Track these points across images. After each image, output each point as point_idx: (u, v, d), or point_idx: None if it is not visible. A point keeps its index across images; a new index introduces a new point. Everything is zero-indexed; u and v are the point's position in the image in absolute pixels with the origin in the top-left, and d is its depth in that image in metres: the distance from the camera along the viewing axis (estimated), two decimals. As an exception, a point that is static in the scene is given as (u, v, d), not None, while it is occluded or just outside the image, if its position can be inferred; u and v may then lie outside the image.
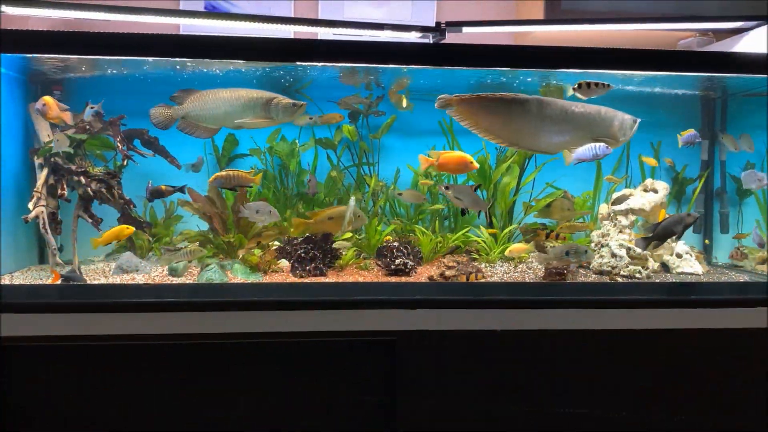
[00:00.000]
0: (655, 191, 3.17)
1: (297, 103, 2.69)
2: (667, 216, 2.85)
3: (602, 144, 2.64)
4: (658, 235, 2.74)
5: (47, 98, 2.71)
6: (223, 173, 2.84)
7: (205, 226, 3.15)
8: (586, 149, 2.68)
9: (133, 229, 2.85)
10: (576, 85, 2.55)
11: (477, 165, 2.86)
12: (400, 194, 3.15)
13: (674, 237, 2.82)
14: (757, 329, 2.48)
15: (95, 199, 2.94)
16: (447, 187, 2.76)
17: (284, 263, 2.98)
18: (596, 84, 2.54)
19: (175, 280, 2.74)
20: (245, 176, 2.83)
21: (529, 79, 3.09)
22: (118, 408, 2.37)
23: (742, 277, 3.02)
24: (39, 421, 2.35)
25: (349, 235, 3.19)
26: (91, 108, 2.82)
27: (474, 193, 2.72)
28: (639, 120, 2.65)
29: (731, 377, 2.52)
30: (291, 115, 2.71)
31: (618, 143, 2.66)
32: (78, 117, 3.07)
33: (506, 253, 3.06)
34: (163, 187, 2.98)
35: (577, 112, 2.59)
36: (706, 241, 3.58)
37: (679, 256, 3.12)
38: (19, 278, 2.74)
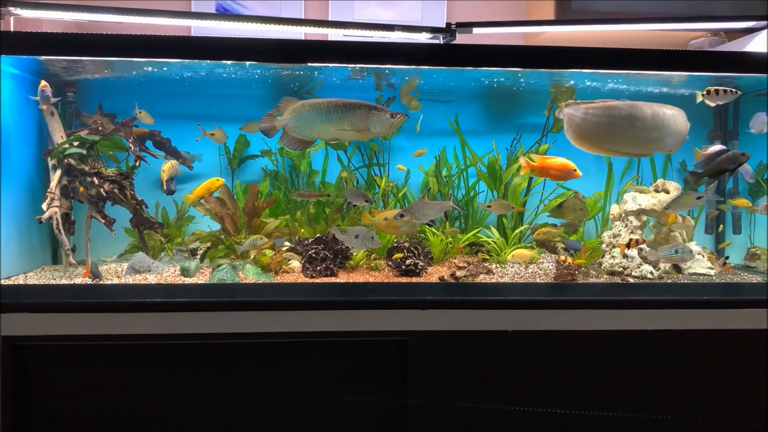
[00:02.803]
0: (667, 191, 3.16)
1: (395, 114, 2.55)
2: (718, 151, 2.76)
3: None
4: (710, 170, 2.68)
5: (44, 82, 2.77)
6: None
7: (216, 226, 3.17)
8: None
9: (223, 180, 2.92)
10: (705, 92, 2.58)
11: (580, 174, 2.80)
12: (488, 207, 2.99)
13: (726, 174, 2.80)
14: (770, 330, 2.47)
15: (108, 200, 2.96)
16: (402, 215, 2.68)
17: (295, 264, 2.99)
18: (725, 90, 2.60)
19: (188, 281, 2.75)
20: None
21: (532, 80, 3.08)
22: (130, 407, 2.38)
23: (755, 278, 3.00)
24: (53, 421, 2.36)
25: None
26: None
27: (426, 201, 2.67)
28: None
29: (746, 378, 2.51)
30: (389, 127, 2.57)
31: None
32: (91, 118, 3.10)
33: (509, 258, 3.03)
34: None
35: (668, 114, 2.54)
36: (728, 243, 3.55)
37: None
38: (33, 278, 2.76)
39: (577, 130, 2.47)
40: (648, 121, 2.44)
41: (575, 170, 2.75)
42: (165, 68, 2.87)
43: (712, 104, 2.63)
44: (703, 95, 2.62)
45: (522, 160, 2.86)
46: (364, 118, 2.52)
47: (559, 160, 2.80)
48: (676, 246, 2.72)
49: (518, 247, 3.10)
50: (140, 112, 3.04)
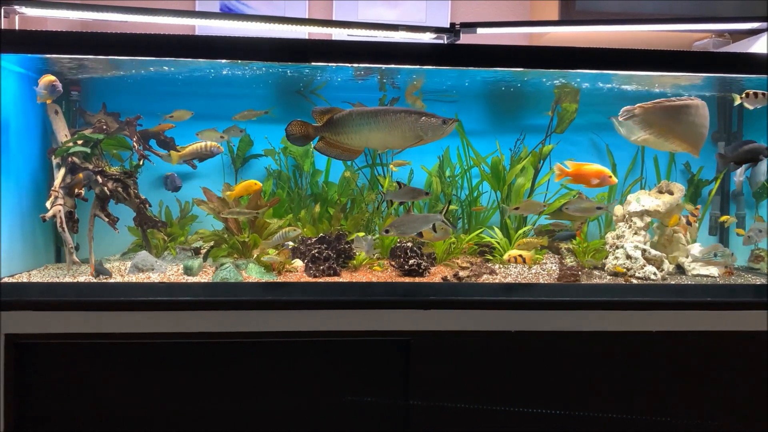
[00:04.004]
0: (671, 193, 3.15)
1: (447, 120, 2.50)
2: (745, 141, 2.84)
3: None
4: (736, 157, 2.69)
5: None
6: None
7: (220, 225, 3.17)
8: None
9: (260, 184, 2.93)
10: (744, 95, 2.62)
11: (615, 180, 2.81)
12: (516, 209, 2.88)
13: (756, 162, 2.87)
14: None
15: (112, 199, 2.97)
16: (387, 231, 2.63)
17: (298, 263, 2.99)
18: (763, 94, 2.66)
19: (191, 279, 2.76)
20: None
21: (545, 81, 3.08)
22: (132, 405, 2.39)
23: (759, 280, 2.99)
24: (55, 418, 2.37)
25: (362, 234, 3.20)
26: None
27: (412, 214, 2.66)
28: None
29: (749, 380, 2.51)
30: (442, 133, 2.53)
31: None
32: (95, 117, 3.10)
33: (505, 258, 3.00)
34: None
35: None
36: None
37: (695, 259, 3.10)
38: (37, 276, 2.76)
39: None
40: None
41: (610, 176, 2.77)
42: (169, 67, 2.87)
43: (751, 107, 2.68)
44: (741, 98, 2.65)
45: (556, 168, 2.87)
46: (415, 126, 2.49)
47: (594, 167, 2.82)
48: (716, 249, 2.73)
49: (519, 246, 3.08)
50: (173, 115, 3.06)
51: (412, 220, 2.61)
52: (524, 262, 2.76)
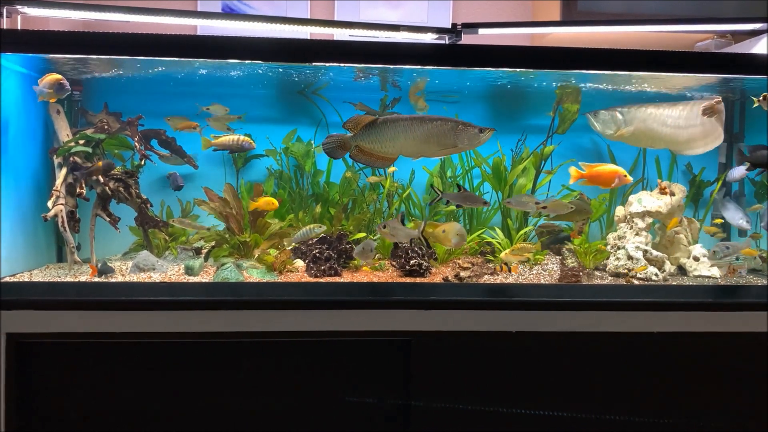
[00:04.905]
0: (672, 194, 3.15)
1: (484, 129, 2.51)
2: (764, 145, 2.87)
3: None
4: (753, 158, 2.70)
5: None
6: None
7: (221, 225, 3.17)
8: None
9: (278, 204, 2.96)
10: (762, 97, 2.67)
11: (630, 179, 2.85)
12: (543, 208, 2.82)
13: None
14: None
15: (113, 198, 2.97)
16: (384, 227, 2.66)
17: (299, 263, 2.99)
18: None
19: (192, 279, 2.76)
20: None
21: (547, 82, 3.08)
22: (134, 404, 2.39)
23: (761, 281, 2.99)
24: (57, 418, 2.37)
25: (363, 234, 3.20)
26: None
27: (397, 224, 2.64)
28: None
29: (751, 381, 2.50)
30: (479, 142, 2.55)
31: None
32: (97, 117, 3.11)
33: (501, 256, 2.99)
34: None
35: None
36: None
37: (696, 259, 3.10)
38: (38, 276, 2.77)
39: None
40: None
41: (626, 176, 2.80)
42: (171, 67, 2.87)
43: None
44: (758, 101, 2.66)
45: (571, 170, 2.88)
46: (452, 134, 2.51)
47: (609, 167, 2.85)
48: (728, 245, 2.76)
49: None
50: (209, 108, 3.09)
51: (397, 229, 2.63)
52: (509, 270, 2.75)
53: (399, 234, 2.62)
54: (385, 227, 2.63)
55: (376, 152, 2.56)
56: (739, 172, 3.20)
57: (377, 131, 2.53)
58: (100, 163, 2.90)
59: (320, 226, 2.86)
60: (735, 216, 3.18)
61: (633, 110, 3.09)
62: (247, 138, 3.10)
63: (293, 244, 2.97)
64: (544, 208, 2.81)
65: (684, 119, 2.94)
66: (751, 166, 2.84)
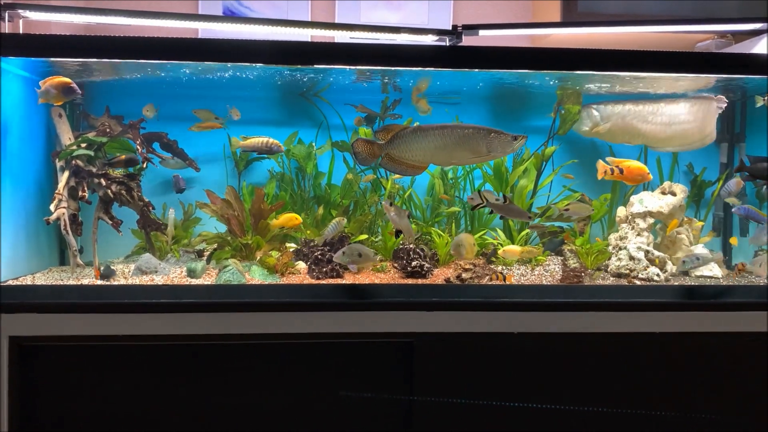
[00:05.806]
0: (674, 194, 3.15)
1: (518, 137, 2.50)
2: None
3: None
4: (754, 169, 2.71)
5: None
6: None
7: (223, 228, 3.18)
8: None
9: (301, 220, 2.99)
10: (766, 97, 2.63)
11: (651, 176, 2.92)
12: (566, 209, 2.86)
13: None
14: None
15: (115, 201, 2.98)
16: (391, 204, 2.68)
17: (301, 265, 3.00)
18: None
19: (194, 282, 2.76)
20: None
21: (551, 82, 3.08)
22: (137, 407, 2.39)
23: (762, 281, 2.99)
24: (59, 421, 2.37)
25: (365, 236, 3.20)
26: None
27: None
28: None
29: (752, 381, 2.50)
30: (511, 150, 2.55)
31: None
32: (98, 120, 3.12)
33: (500, 253, 3.00)
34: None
35: None
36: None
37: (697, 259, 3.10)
38: (41, 279, 2.78)
39: None
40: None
41: (648, 173, 2.88)
42: (172, 70, 2.87)
43: None
44: (764, 100, 2.67)
45: (599, 164, 2.94)
46: (484, 142, 2.49)
47: (634, 164, 2.91)
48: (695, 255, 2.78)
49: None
50: (232, 109, 3.14)
51: (404, 220, 2.64)
52: (504, 280, 2.76)
53: (401, 223, 2.64)
54: (391, 204, 2.64)
55: (406, 161, 2.54)
56: (734, 185, 3.19)
57: (409, 140, 2.51)
58: (123, 156, 2.92)
59: (343, 219, 2.89)
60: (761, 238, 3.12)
61: (609, 107, 3.11)
62: (275, 141, 3.11)
63: (323, 239, 2.95)
64: (567, 210, 2.83)
65: (667, 116, 2.96)
66: (749, 176, 2.84)
